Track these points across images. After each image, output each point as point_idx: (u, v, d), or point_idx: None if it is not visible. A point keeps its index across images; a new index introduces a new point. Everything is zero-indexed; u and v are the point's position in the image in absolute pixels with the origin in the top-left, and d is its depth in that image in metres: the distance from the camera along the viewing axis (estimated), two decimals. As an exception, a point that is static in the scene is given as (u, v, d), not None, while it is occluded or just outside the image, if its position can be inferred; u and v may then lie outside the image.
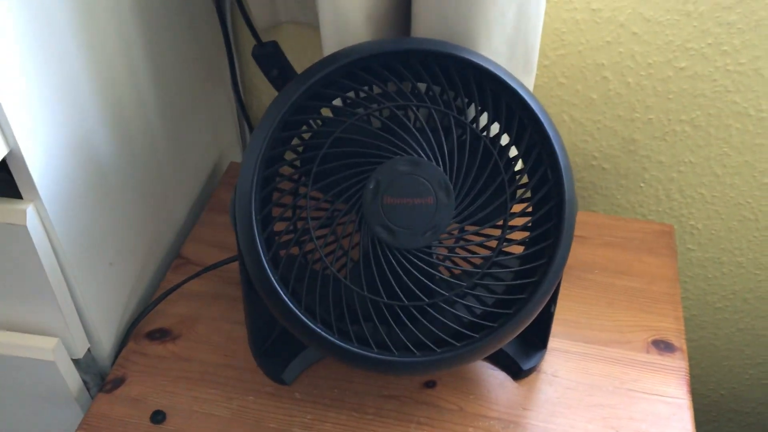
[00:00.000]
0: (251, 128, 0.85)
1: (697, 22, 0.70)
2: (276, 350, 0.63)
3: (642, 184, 0.84)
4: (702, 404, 1.06)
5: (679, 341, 0.65)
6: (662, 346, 0.65)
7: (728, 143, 0.78)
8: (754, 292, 0.90)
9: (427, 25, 0.57)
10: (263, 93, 0.85)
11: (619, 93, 0.77)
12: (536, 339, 0.63)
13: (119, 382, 0.61)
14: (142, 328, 0.66)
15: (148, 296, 0.69)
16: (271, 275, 0.50)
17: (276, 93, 0.56)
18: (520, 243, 0.53)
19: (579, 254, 0.73)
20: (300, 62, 0.77)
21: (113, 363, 0.63)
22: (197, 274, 0.68)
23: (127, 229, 0.64)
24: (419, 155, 0.50)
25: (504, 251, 0.52)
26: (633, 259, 0.73)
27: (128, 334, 0.65)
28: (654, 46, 0.72)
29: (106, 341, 0.63)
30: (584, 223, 0.77)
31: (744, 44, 0.70)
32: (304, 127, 0.54)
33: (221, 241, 0.74)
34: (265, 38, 0.67)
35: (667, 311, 0.68)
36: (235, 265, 0.69)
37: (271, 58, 0.65)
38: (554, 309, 0.60)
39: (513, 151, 0.53)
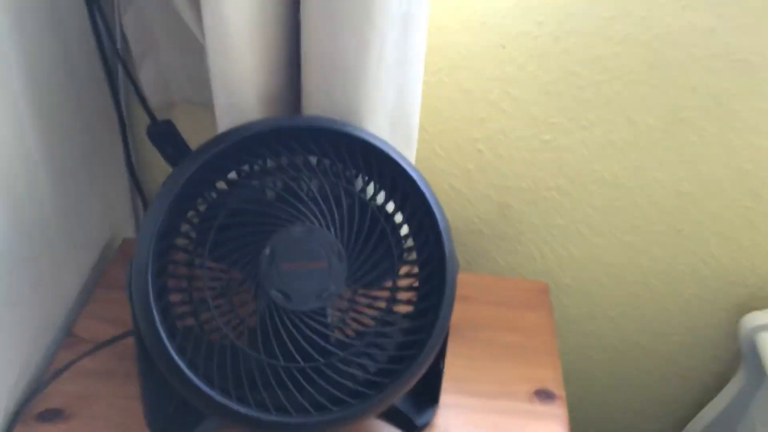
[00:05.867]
0: (145, 205, 0.86)
1: (557, 99, 0.78)
2: (173, 424, 0.62)
3: (518, 246, 0.91)
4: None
5: (559, 390, 0.70)
6: (543, 395, 0.69)
7: (592, 206, 0.86)
8: (625, 343, 0.98)
9: (317, 104, 0.62)
10: (158, 170, 0.87)
11: (493, 163, 0.84)
12: (428, 395, 0.66)
13: (7, 467, 0.59)
14: (32, 409, 0.64)
15: (38, 376, 0.68)
16: (168, 344, 0.51)
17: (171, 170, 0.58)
18: (407, 303, 0.57)
19: (465, 313, 0.77)
20: (195, 140, 0.79)
21: (0, 448, 0.61)
22: (90, 352, 0.67)
23: (14, 306, 0.63)
24: (312, 222, 0.54)
25: (393, 311, 0.56)
26: (514, 316, 0.78)
27: (16, 417, 0.63)
28: (522, 121, 0.80)
29: (-8, 425, 0.61)
30: (469, 284, 0.82)
31: (598, 119, 0.79)
32: (200, 200, 0.56)
33: (114, 316, 0.74)
34: (159, 117, 0.69)
35: (546, 363, 0.73)
36: (130, 340, 0.69)
37: (165, 136, 0.66)
38: (443, 365, 0.64)
39: (398, 218, 0.58)
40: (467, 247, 0.92)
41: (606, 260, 0.91)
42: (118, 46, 0.76)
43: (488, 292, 0.81)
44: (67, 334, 0.72)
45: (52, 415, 0.64)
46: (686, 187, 0.82)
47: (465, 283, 0.81)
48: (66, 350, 0.70)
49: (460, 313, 0.77)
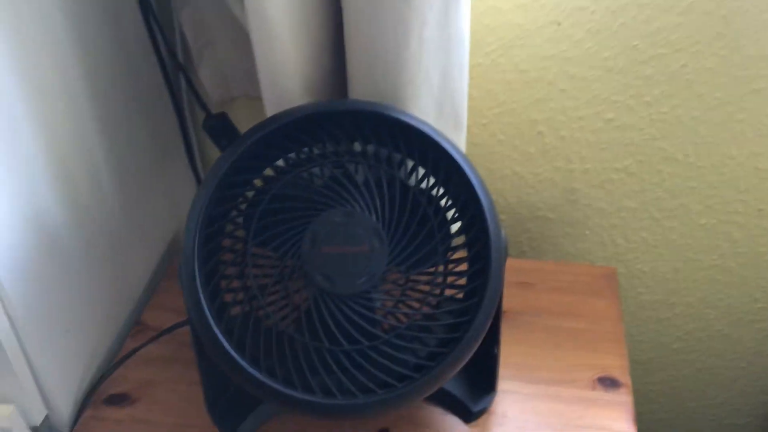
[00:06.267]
0: (210, 198, 0.88)
1: (618, 76, 0.75)
2: (231, 408, 0.64)
3: (587, 232, 0.88)
4: (671, 449, 1.07)
5: (624, 377, 0.67)
6: (608, 382, 0.67)
7: (662, 188, 0.82)
8: (706, 331, 0.93)
9: (361, 90, 0.62)
10: (220, 164, 0.89)
11: (555, 146, 0.81)
12: (484, 382, 0.65)
13: (77, 448, 0.62)
14: (100, 393, 0.67)
15: (107, 363, 0.71)
16: (215, 327, 0.52)
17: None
18: (455, 286, 0.56)
19: (526, 299, 0.76)
20: (252, 132, 0.81)
21: (71, 430, 0.64)
22: (154, 339, 0.70)
23: (83, 297, 0.66)
24: (353, 207, 0.54)
25: (439, 294, 0.55)
26: (578, 302, 0.75)
27: (87, 400, 0.66)
28: (582, 100, 0.77)
29: (64, 408, 0.64)
30: (531, 270, 0.80)
31: (663, 94, 0.75)
32: (248, 187, 0.57)
33: (181, 307, 0.76)
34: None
35: (611, 349, 0.70)
36: (191, 327, 0.71)
37: (221, 128, 0.68)
38: (498, 351, 0.63)
39: (446, 202, 0.57)
40: (533, 234, 0.89)
41: (680, 244, 0.86)
42: (177, 45, 0.79)
43: (552, 279, 0.79)
44: (136, 323, 0.75)
45: (119, 399, 0.67)
46: (764, 163, 0.77)
47: (527, 269, 0.80)
48: (134, 339, 0.73)
49: (521, 300, 0.76)
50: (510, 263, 0.80)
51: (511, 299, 0.76)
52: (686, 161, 0.79)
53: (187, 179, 0.85)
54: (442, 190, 0.57)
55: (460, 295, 0.56)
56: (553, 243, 0.90)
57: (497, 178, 0.85)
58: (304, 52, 0.60)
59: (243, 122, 0.68)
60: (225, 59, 0.79)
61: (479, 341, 0.54)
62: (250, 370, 0.52)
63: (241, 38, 0.76)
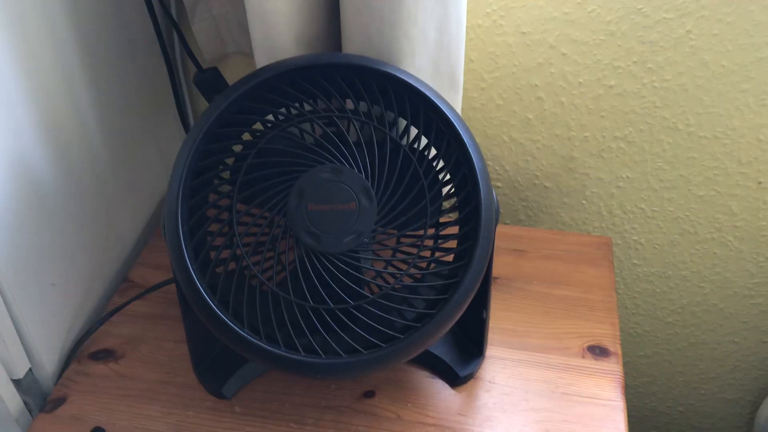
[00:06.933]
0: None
1: (621, 41, 0.73)
2: (216, 366, 0.63)
3: (584, 201, 0.86)
4: (662, 422, 1.07)
5: (615, 346, 0.66)
6: (597, 351, 0.66)
7: (662, 158, 0.81)
8: (701, 306, 0.92)
9: (355, 46, 0.60)
10: (214, 123, 0.88)
11: (554, 112, 0.80)
12: (472, 346, 0.64)
13: (61, 401, 0.62)
14: (86, 348, 0.66)
15: (93, 318, 0.70)
16: (196, 281, 0.51)
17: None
18: (438, 249, 0.55)
19: (519, 267, 0.75)
20: (246, 91, 0.80)
21: (56, 384, 0.64)
22: (140, 296, 0.69)
23: (70, 251, 0.65)
24: (341, 163, 0.52)
25: (428, 256, 0.54)
26: (571, 270, 0.74)
27: (71, 355, 0.65)
28: (583, 65, 0.76)
29: (48, 362, 0.63)
30: (525, 237, 0.79)
31: (667, 61, 0.73)
32: (235, 141, 0.56)
33: (169, 264, 0.75)
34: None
35: (603, 318, 0.69)
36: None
37: (212, 83, 0.67)
38: (487, 315, 0.62)
39: (439, 162, 0.56)
40: (529, 203, 0.88)
41: (678, 216, 0.85)
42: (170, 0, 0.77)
43: (546, 246, 0.78)
44: (123, 281, 0.74)
45: (105, 354, 0.66)
46: (767, 134, 0.76)
47: (521, 236, 0.79)
48: (121, 295, 0.72)
49: (513, 267, 0.75)
50: (503, 230, 0.80)
51: (503, 266, 0.75)
52: (687, 131, 0.78)
53: (178, 136, 0.84)
54: (434, 150, 0.55)
55: (450, 258, 0.55)
56: (550, 212, 0.88)
57: (494, 145, 0.84)
58: (296, 4, 0.59)
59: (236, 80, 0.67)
60: (219, 14, 0.78)
61: (466, 304, 0.53)
62: (233, 325, 0.52)
63: (235, -8, 0.74)
